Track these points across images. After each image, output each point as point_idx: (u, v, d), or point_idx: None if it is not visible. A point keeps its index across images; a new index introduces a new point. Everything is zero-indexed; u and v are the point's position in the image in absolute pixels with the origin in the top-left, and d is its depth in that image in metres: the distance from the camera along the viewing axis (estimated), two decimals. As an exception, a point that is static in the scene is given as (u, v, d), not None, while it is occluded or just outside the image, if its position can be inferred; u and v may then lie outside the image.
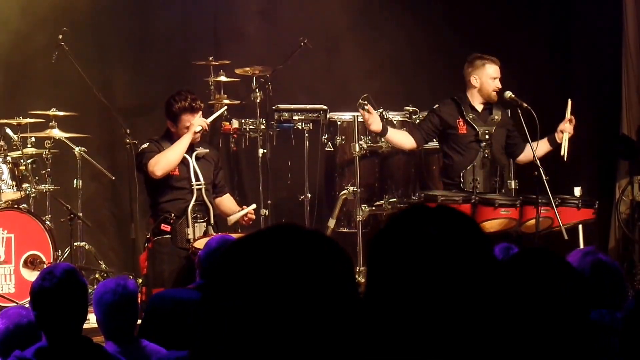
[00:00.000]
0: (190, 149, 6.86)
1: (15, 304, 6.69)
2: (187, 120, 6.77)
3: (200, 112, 6.89)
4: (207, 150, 7.02)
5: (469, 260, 1.67)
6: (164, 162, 6.70)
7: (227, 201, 7.16)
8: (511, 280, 1.59)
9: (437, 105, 7.59)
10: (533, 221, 7.18)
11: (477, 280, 1.67)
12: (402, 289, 1.65)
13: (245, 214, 6.94)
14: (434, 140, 7.72)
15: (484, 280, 1.67)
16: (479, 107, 7.56)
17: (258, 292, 1.37)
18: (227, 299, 1.39)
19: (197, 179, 6.82)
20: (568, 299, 1.90)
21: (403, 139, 7.58)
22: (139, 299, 6.28)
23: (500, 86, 7.49)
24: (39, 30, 8.74)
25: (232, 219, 7.00)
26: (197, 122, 6.75)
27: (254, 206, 7.13)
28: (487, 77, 7.48)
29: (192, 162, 6.83)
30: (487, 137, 7.46)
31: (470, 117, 7.48)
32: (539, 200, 7.15)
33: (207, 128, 6.89)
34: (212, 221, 6.84)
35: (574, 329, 1.79)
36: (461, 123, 7.48)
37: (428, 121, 7.59)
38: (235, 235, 5.92)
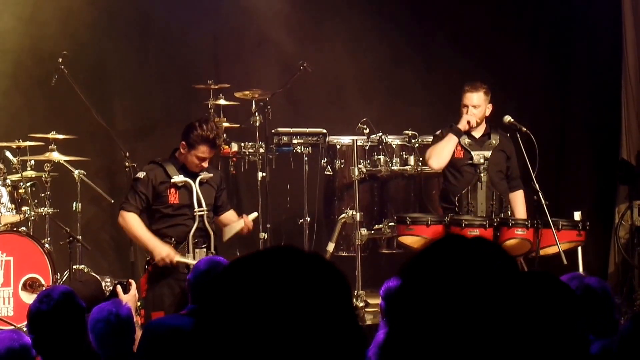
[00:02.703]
0: (195, 175, 6.75)
1: (12, 327, 6.67)
2: (203, 152, 6.56)
3: (216, 151, 6.80)
4: (211, 175, 6.90)
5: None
6: (127, 230, 6.65)
7: (230, 214, 7.00)
8: (510, 304, 1.59)
9: (439, 131, 7.57)
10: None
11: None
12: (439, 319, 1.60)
13: (245, 225, 6.83)
14: None
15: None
16: (477, 133, 7.54)
17: (253, 315, 1.36)
18: (222, 321, 1.37)
19: (200, 205, 6.72)
20: (567, 323, 1.89)
21: (445, 154, 7.44)
22: (138, 322, 6.26)
23: (474, 114, 7.44)
24: (39, 53, 8.76)
25: (227, 230, 6.87)
26: (168, 255, 6.49)
27: (255, 214, 7.03)
28: (463, 105, 7.49)
29: (196, 188, 6.71)
30: (482, 161, 7.44)
31: (467, 142, 7.48)
32: (512, 222, 7.15)
33: (173, 263, 6.55)
34: (212, 248, 6.77)
35: (571, 352, 1.79)
36: (458, 148, 7.47)
37: None
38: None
